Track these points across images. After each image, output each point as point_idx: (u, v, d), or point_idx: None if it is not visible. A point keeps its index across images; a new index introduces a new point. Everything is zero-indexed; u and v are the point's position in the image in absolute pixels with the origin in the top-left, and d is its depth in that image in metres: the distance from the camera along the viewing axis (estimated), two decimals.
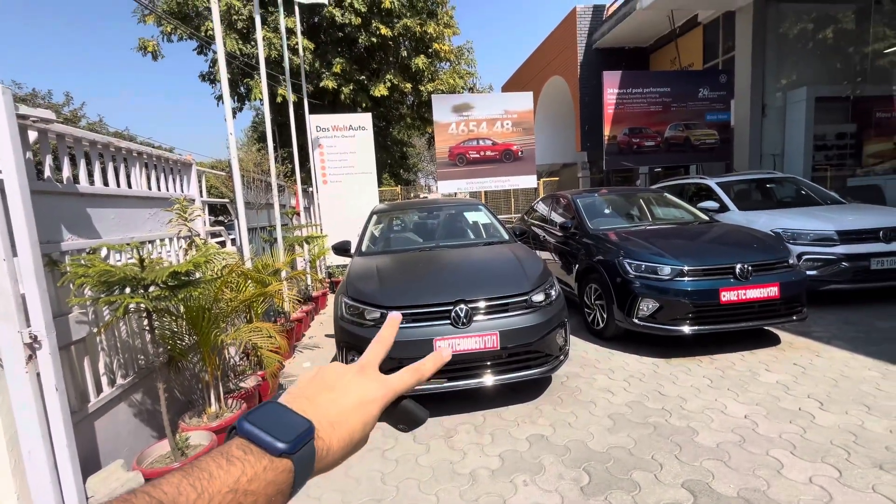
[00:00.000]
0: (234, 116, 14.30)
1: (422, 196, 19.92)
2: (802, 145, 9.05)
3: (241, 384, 3.06)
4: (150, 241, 2.88)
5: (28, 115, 1.86)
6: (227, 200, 4.39)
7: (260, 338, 2.92)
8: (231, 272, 3.02)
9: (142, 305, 2.06)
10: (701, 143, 9.82)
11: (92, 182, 2.38)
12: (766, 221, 5.06)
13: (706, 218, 4.93)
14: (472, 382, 2.88)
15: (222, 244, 4.12)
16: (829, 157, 9.45)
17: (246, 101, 13.85)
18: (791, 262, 3.80)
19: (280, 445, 0.35)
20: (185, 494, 0.31)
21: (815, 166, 9.24)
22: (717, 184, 6.15)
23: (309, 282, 6.12)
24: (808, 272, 4.54)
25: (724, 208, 5.76)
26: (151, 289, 2.23)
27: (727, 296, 3.54)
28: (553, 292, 3.20)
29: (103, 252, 2.38)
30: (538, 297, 3.08)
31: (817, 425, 2.57)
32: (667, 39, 11.98)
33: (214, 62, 13.13)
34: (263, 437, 0.35)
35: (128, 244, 2.33)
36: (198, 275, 2.61)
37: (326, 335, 5.09)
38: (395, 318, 0.51)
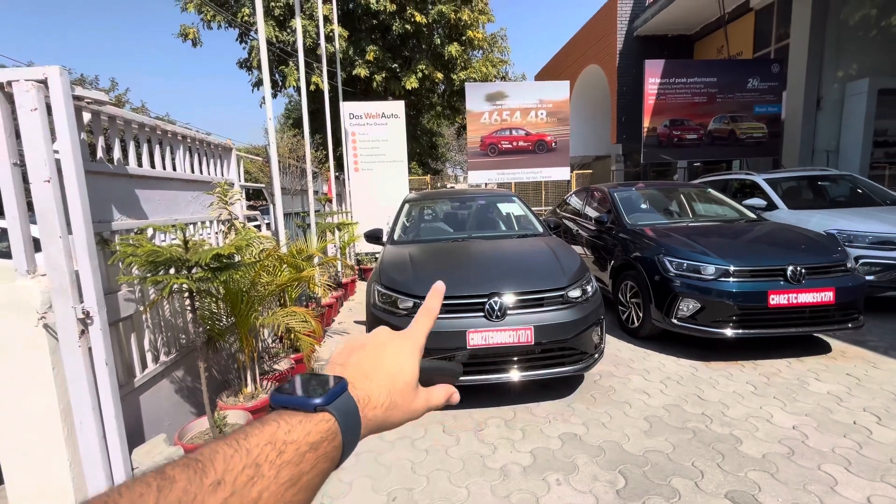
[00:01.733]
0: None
1: (449, 186, 19.72)
2: (861, 141, 8.44)
3: (276, 366, 3.12)
4: (192, 223, 2.94)
5: (83, 97, 1.91)
6: (262, 185, 4.47)
7: (295, 321, 2.97)
8: (268, 256, 3.07)
9: (185, 286, 2.10)
10: (747, 137, 9.30)
11: (140, 164, 2.44)
12: (819, 221, 4.76)
13: (753, 216, 4.68)
14: (503, 377, 2.84)
15: (258, 228, 4.21)
16: (889, 154, 8.79)
17: (281, 88, 14.06)
18: (849, 265, 3.55)
19: (313, 401, 0.35)
20: (221, 453, 0.31)
21: (873, 164, 8.61)
22: (765, 180, 5.82)
23: (339, 268, 6.19)
24: (866, 277, 4.25)
25: (771, 206, 5.45)
26: (195, 270, 2.28)
27: (776, 299, 3.35)
28: (590, 288, 3.13)
29: (150, 232, 2.45)
30: (574, 293, 3.01)
31: (875, 441, 2.40)
32: (714, 26, 11.36)
33: (252, 50, 13.35)
34: (293, 399, 0.36)
35: (173, 225, 2.38)
36: (238, 258, 2.68)
37: (356, 321, 5.14)
38: (439, 287, 0.51)
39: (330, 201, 6.41)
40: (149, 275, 2.03)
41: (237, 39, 13.48)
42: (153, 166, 2.56)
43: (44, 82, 1.70)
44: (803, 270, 3.42)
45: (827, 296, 3.37)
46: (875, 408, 2.75)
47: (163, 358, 2.49)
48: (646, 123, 9.19)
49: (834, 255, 3.60)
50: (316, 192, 6.24)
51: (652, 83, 9.11)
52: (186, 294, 2.28)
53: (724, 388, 3.11)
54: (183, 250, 2.17)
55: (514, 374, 2.83)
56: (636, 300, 4.08)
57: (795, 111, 8.97)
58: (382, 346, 0.45)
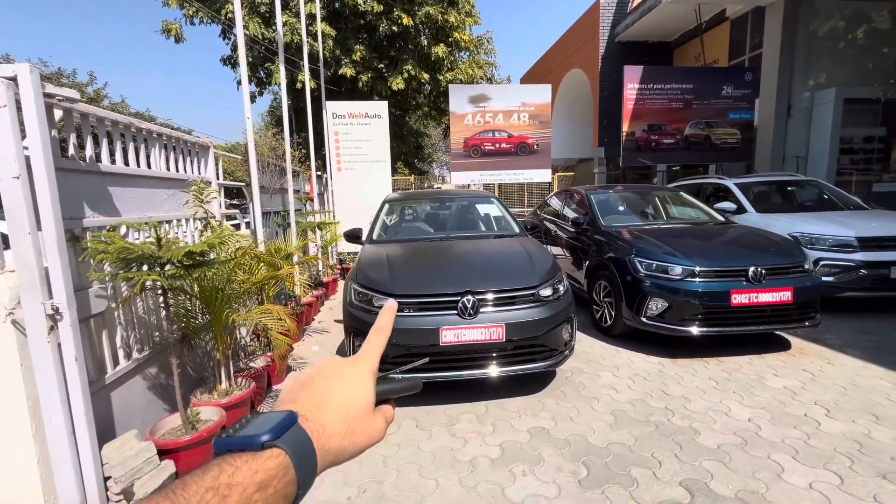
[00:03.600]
0: (252, 101, 14.41)
1: (435, 186, 19.71)
2: (828, 148, 8.78)
3: (251, 364, 3.13)
4: (167, 221, 2.94)
5: (54, 94, 1.91)
6: (242, 184, 4.45)
7: (270, 320, 2.98)
8: (244, 254, 3.07)
9: (158, 283, 2.12)
10: (722, 143, 9.60)
11: (113, 161, 2.44)
12: (784, 225, 4.95)
13: (722, 219, 4.85)
14: (476, 373, 2.92)
15: (237, 227, 4.21)
16: (855, 160, 9.15)
17: (266, 86, 13.94)
18: (806, 266, 3.72)
19: (259, 438, 0.33)
20: None
21: (839, 170, 8.97)
22: (736, 184, 6.03)
23: (320, 267, 6.19)
24: (825, 278, 4.45)
25: (741, 210, 5.65)
26: (167, 267, 2.30)
27: (738, 298, 3.50)
28: (561, 287, 3.22)
29: (123, 230, 2.45)
30: (546, 292, 3.10)
31: (822, 432, 2.54)
32: (692, 34, 11.67)
33: (236, 47, 13.20)
34: (236, 440, 0.34)
35: (146, 223, 2.39)
36: (212, 255, 2.68)
37: (335, 320, 5.17)
38: (391, 305, 0.51)
39: (311, 200, 6.41)
40: (121, 272, 2.04)
41: (220, 35, 13.33)
42: (127, 163, 2.56)
43: (13, 79, 1.70)
44: (763, 271, 3.57)
45: (785, 295, 3.53)
46: (825, 401, 2.90)
47: (136, 355, 2.49)
48: (625, 127, 9.42)
49: (793, 256, 3.76)
50: (297, 192, 6.23)
51: (630, 88, 9.33)
52: (160, 291, 2.29)
53: (687, 384, 3.23)
54: (156, 247, 2.18)
55: (487, 371, 2.91)
56: (609, 299, 4.20)
57: (767, 118, 9.28)
58: (333, 375, 0.43)
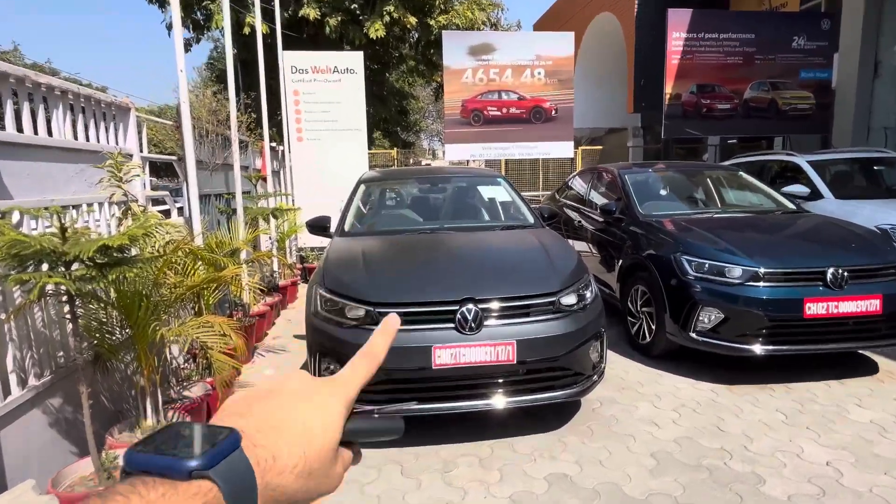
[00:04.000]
0: (187, 49, 14.28)
1: (423, 163, 19.32)
2: None
3: (186, 393, 3.10)
4: (74, 206, 2.89)
5: None
6: (173, 158, 4.39)
7: (210, 335, 2.94)
8: (176, 250, 3.03)
9: (62, 287, 2.07)
10: (791, 109, 9.67)
11: None
12: (869, 214, 5.00)
13: (792, 207, 4.88)
14: (478, 404, 2.90)
15: (166, 213, 4.14)
16: None
17: (204, 31, 13.78)
18: None
19: (187, 463, 0.31)
20: None
21: None
22: (809, 163, 6.07)
23: (275, 267, 6.14)
24: None
25: (816, 195, 5.69)
26: (75, 266, 2.25)
27: (814, 308, 3.52)
28: (588, 294, 3.22)
29: (15, 217, 2.39)
30: (569, 300, 3.09)
31: None
32: None
33: None
34: (157, 460, 0.32)
35: (46, 208, 2.34)
36: (134, 251, 2.62)
37: (296, 336, 5.13)
38: (392, 322, 0.49)
39: (264, 179, 6.35)
40: (13, 272, 1.99)
41: None
42: (20, 130, 2.50)
43: None
44: (846, 273, 3.59)
45: (873, 304, 3.56)
46: None
47: (32, 381, 2.45)
48: (668, 89, 9.44)
49: (883, 255, 3.79)
50: (245, 169, 6.16)
51: (676, 38, 9.34)
52: (65, 298, 2.25)
53: (748, 417, 3.25)
54: (59, 240, 2.13)
55: (492, 401, 2.90)
56: (648, 309, 4.21)
57: (848, 78, 9.34)
58: (302, 394, 0.42)
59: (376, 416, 0.47)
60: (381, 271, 3.28)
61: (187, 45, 14.42)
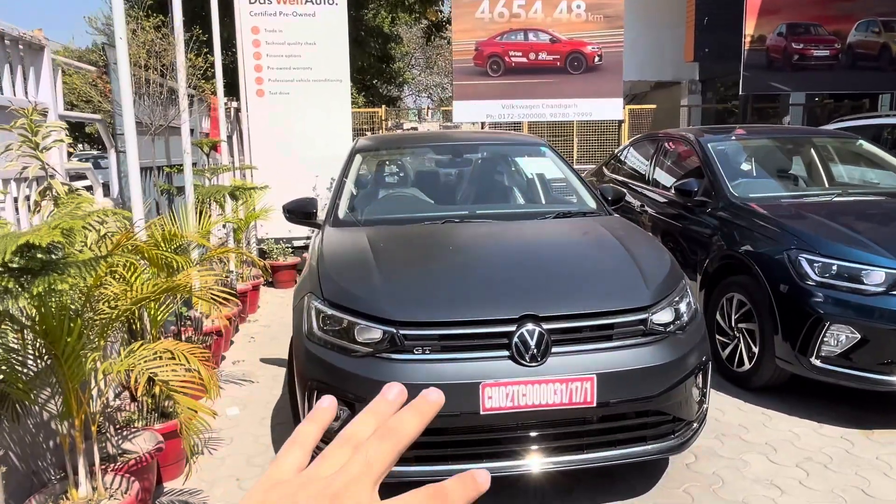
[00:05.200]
0: None
1: (407, 127, 14.46)
2: None
3: (127, 444, 2.29)
4: None
5: None
6: (98, 118, 3.33)
7: (167, 369, 2.15)
8: (118, 247, 2.17)
9: None
10: None
11: None
12: None
13: None
14: (544, 462, 2.18)
15: (88, 191, 3.10)
16: None
17: None
18: None
19: None
20: None
21: None
22: None
23: (232, 267, 4.70)
24: None
25: None
26: None
27: None
28: (685, 308, 2.48)
29: None
30: (664, 317, 2.35)
31: None
32: None
33: None
34: None
35: None
36: (60, 252, 1.92)
37: (263, 360, 3.99)
38: (432, 399, 0.32)
39: (215, 148, 5.00)
40: None
41: None
42: None
43: None
44: None
45: None
46: None
47: None
48: (748, 30, 7.84)
49: None
50: (191, 133, 4.57)
51: None
52: None
53: None
54: None
55: (562, 459, 2.21)
56: (748, 325, 3.34)
57: None
58: (327, 491, 0.30)
59: None
60: (403, 277, 2.61)
61: None
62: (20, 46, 2.42)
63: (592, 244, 2.96)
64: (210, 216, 3.99)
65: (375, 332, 2.22)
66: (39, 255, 1.74)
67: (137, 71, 3.68)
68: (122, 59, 2.50)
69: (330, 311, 2.33)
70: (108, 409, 2.43)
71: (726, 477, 2.51)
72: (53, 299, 1.96)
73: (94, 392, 2.20)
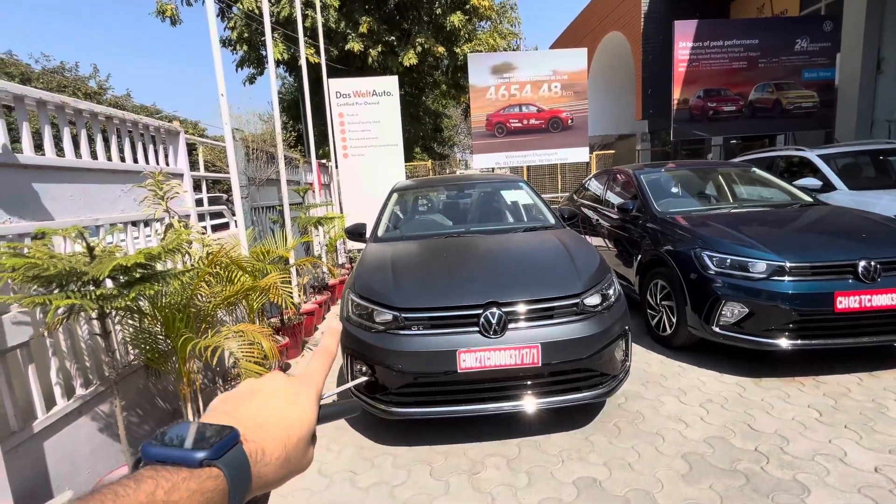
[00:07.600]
0: (251, 82, 14.20)
1: (458, 172, 18.85)
2: None
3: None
4: (126, 224, 2.62)
5: None
6: (223, 175, 4.11)
7: (239, 344, 2.56)
8: (212, 263, 2.71)
9: (84, 306, 1.76)
10: (795, 108, 8.69)
11: (40, 151, 2.11)
12: (888, 204, 4.27)
13: (809, 199, 4.21)
14: (504, 406, 2.50)
15: (224, 226, 3.84)
16: None
17: (266, 64, 13.73)
18: None
19: (198, 455, 0.34)
20: None
21: None
22: (819, 156, 5.33)
23: (324, 269, 5.86)
24: None
25: (828, 187, 4.97)
26: (108, 284, 1.96)
27: (845, 302, 2.92)
28: (612, 293, 2.78)
29: (58, 240, 2.12)
30: (592, 300, 2.66)
31: None
32: None
33: (233, 26, 13.01)
34: (175, 453, 0.34)
35: (85, 227, 2.04)
36: (160, 267, 2.33)
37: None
38: (334, 328, 0.51)
39: (311, 191, 6.05)
40: (34, 293, 1.70)
41: (218, 15, 13.20)
42: (62, 154, 2.22)
43: None
44: (878, 266, 2.97)
45: None
46: None
47: (80, 391, 2.17)
48: (676, 95, 8.65)
49: None
50: (297, 183, 5.87)
51: (683, 48, 8.55)
52: (95, 315, 1.95)
53: (780, 414, 2.70)
54: (87, 260, 1.83)
55: (518, 403, 2.51)
56: (668, 303, 3.67)
57: (851, 76, 8.33)
58: (280, 393, 0.42)
59: (334, 398, 0.49)
60: (408, 276, 2.90)
61: (251, 79, 14.46)
62: (163, 133, 2.96)
63: (544, 249, 3.24)
64: (300, 238, 4.76)
65: (387, 315, 2.58)
66: (135, 272, 1.95)
67: (252, 144, 4.50)
68: (230, 147, 3.11)
69: (359, 301, 2.72)
70: (224, 370, 2.96)
71: (646, 414, 2.78)
72: (160, 298, 2.34)
73: (214, 358, 2.73)
